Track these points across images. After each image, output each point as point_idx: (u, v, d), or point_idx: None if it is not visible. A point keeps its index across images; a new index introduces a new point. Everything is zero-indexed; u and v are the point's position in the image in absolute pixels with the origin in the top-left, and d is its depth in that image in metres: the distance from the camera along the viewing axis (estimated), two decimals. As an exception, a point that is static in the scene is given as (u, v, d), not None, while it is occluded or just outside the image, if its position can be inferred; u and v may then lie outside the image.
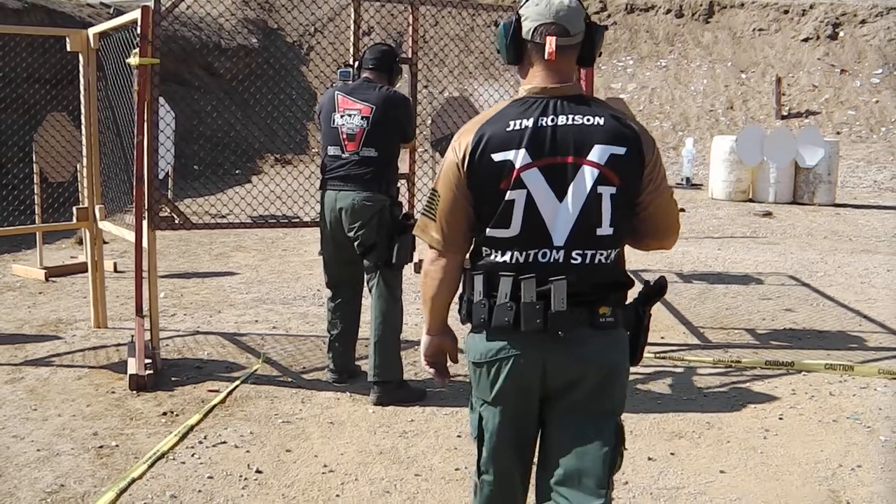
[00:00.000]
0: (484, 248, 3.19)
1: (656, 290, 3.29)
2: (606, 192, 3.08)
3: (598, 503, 3.13)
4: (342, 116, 6.36)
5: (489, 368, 3.20)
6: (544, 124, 3.09)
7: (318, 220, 6.73)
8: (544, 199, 3.09)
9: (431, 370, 3.49)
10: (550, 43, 3.09)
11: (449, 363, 3.52)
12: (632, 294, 3.29)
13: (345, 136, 6.33)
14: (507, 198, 3.08)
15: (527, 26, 3.15)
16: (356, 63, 6.76)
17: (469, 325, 3.27)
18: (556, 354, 3.11)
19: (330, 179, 6.42)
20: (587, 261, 3.10)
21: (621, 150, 3.09)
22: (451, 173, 3.18)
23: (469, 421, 3.41)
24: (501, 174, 3.09)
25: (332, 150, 6.42)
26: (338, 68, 6.95)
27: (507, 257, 3.13)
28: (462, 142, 3.17)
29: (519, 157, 3.07)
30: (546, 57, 3.11)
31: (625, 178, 3.10)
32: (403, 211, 6.56)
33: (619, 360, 3.21)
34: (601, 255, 3.12)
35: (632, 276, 3.29)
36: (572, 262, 3.09)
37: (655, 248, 3.48)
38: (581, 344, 3.10)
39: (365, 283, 6.64)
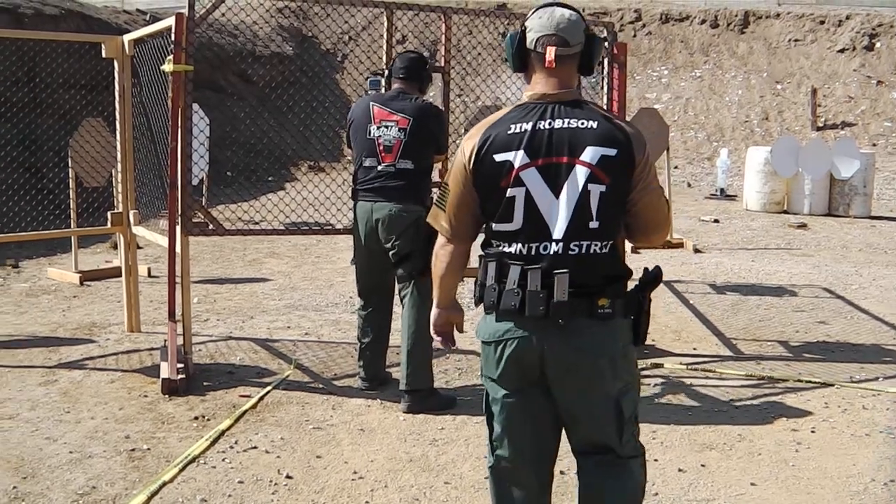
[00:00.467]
0: (493, 240, 3.51)
1: (652, 278, 3.57)
2: (596, 189, 3.37)
3: (608, 487, 3.53)
4: (379, 128, 6.37)
5: (496, 347, 3.50)
6: (542, 127, 3.41)
7: (350, 228, 6.75)
8: (542, 195, 3.39)
9: (439, 338, 3.91)
10: (550, 52, 3.42)
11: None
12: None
13: (382, 148, 6.34)
14: (507, 195, 3.40)
15: (530, 37, 3.49)
16: (386, 72, 6.78)
17: (482, 308, 3.58)
18: (555, 342, 3.39)
19: (364, 190, 6.43)
20: (583, 251, 3.38)
21: (612, 152, 3.37)
22: (459, 172, 3.53)
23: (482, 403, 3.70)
24: (502, 173, 3.40)
25: (368, 162, 6.41)
26: (369, 76, 6.97)
27: (513, 248, 3.44)
28: (469, 143, 3.49)
29: (518, 157, 3.39)
30: (546, 65, 3.44)
31: (614, 178, 3.38)
32: None
33: (615, 349, 3.45)
34: (595, 245, 3.39)
35: (630, 267, 3.56)
36: (570, 253, 3.37)
37: (644, 242, 3.77)
38: (579, 335, 3.38)
39: (396, 293, 6.66)
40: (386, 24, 7.44)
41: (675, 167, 21.33)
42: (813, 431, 6.04)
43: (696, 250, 13.19)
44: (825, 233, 15.25)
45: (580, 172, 3.36)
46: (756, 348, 8.08)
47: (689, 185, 20.93)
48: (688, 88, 25.76)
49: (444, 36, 7.58)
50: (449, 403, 6.42)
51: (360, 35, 25.24)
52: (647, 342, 6.81)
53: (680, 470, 5.38)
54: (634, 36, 27.17)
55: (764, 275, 11.51)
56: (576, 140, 3.38)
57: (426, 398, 6.35)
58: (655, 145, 11.08)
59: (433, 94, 7.21)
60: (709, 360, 7.67)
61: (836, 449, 5.75)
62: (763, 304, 9.85)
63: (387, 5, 7.38)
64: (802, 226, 15.83)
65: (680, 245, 13.23)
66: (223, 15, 7.50)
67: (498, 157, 3.41)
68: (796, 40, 26.51)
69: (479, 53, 10.22)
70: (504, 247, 3.46)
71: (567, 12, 3.49)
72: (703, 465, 5.45)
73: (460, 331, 3.93)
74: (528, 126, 3.41)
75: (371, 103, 6.50)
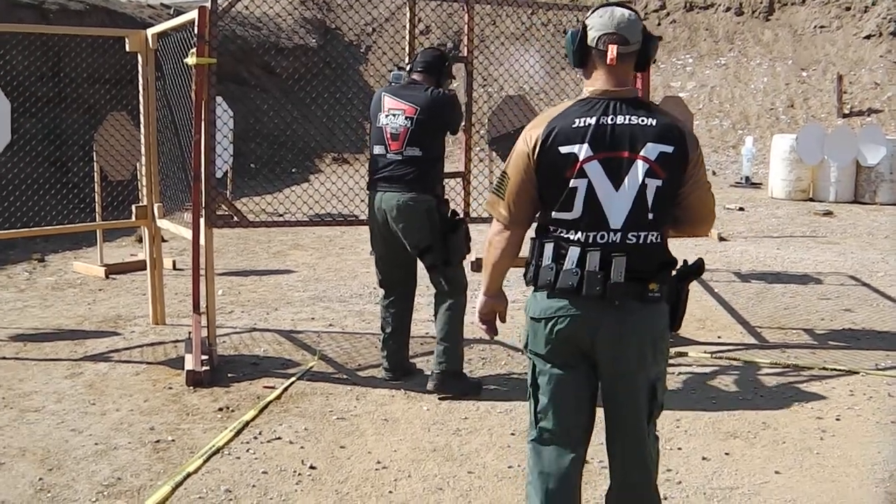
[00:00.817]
0: (552, 226, 3.68)
1: (693, 269, 3.82)
2: (653, 183, 3.57)
3: (636, 451, 3.77)
4: (387, 116, 6.47)
5: (546, 323, 3.68)
6: (605, 122, 3.58)
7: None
8: (602, 187, 3.57)
9: (484, 326, 4.05)
10: (612, 50, 3.59)
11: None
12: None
13: (389, 136, 6.44)
14: (570, 185, 3.58)
15: (592, 35, 3.65)
16: (408, 66, 6.82)
17: (531, 287, 3.77)
18: (608, 321, 3.60)
19: (376, 180, 6.51)
20: (641, 241, 3.60)
21: (669, 149, 3.58)
22: (522, 161, 3.67)
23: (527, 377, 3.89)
24: (567, 164, 3.57)
25: (377, 150, 6.53)
26: (392, 69, 7.00)
27: (571, 235, 3.63)
28: (533, 134, 3.65)
29: (583, 150, 3.56)
30: (608, 62, 3.60)
31: (670, 173, 3.59)
32: (451, 208, 6.60)
33: (661, 330, 3.71)
34: (652, 235, 3.62)
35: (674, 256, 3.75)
36: (628, 242, 3.58)
37: (690, 234, 4.01)
38: (630, 315, 3.60)
39: (414, 281, 6.83)
40: (409, 14, 7.45)
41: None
42: (838, 419, 6.02)
43: (722, 238, 13.15)
44: (851, 220, 15.17)
45: (639, 167, 3.56)
46: (781, 336, 8.05)
47: (714, 173, 20.83)
48: (713, 76, 25.64)
49: (467, 26, 7.58)
50: (475, 389, 6.47)
51: (383, 26, 25.25)
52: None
53: (704, 458, 5.38)
54: (659, 24, 27.06)
55: (789, 262, 11.47)
56: (636, 136, 3.57)
57: (454, 379, 6.43)
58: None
59: (457, 85, 7.22)
60: (734, 348, 7.66)
61: (861, 437, 5.73)
62: (788, 291, 9.82)
63: (410, -4, 7.38)
64: (828, 213, 15.75)
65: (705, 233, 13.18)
66: (246, 7, 7.53)
67: (563, 150, 3.58)
68: (822, 27, 26.34)
69: (503, 43, 10.21)
70: (562, 233, 3.65)
71: (627, 12, 3.67)
72: (727, 454, 5.45)
73: (502, 320, 4.06)
74: (592, 121, 3.59)
75: (383, 94, 6.60)
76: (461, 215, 6.67)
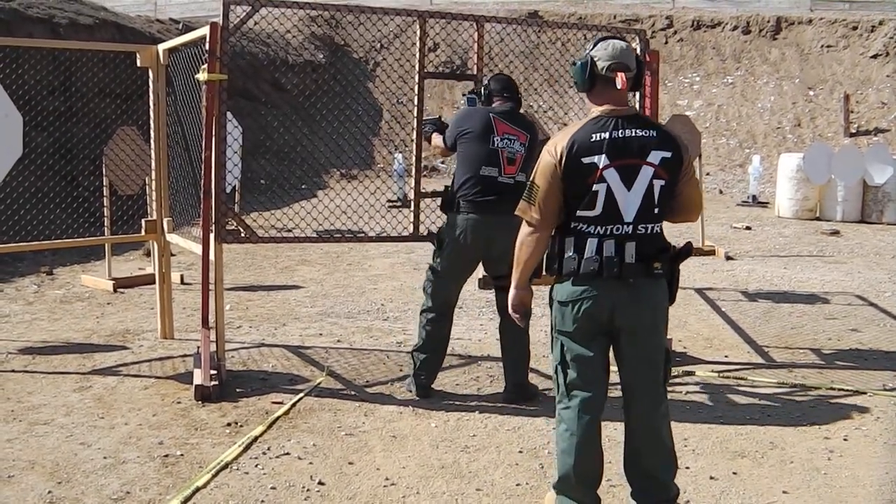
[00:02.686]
0: (573, 223, 4.47)
1: (685, 251, 4.55)
2: (658, 184, 4.42)
3: (656, 412, 4.57)
4: (503, 139, 6.53)
5: (573, 305, 4.46)
6: (617, 136, 4.39)
7: (383, 235, 6.82)
8: (618, 189, 4.38)
9: (517, 315, 4.78)
10: (621, 77, 4.42)
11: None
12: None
13: (505, 160, 6.52)
14: (593, 189, 4.37)
15: (600, 65, 4.47)
16: (484, 92, 6.87)
17: (554, 278, 4.56)
18: (623, 296, 4.40)
19: (480, 202, 6.50)
20: (648, 231, 4.45)
21: (668, 154, 4.44)
22: (549, 170, 4.45)
23: (551, 358, 4.71)
24: (589, 172, 4.36)
25: (486, 171, 6.52)
26: (465, 94, 7.12)
27: (591, 229, 4.42)
28: (558, 147, 4.43)
29: (601, 160, 4.36)
30: (619, 87, 4.42)
31: (670, 174, 4.46)
32: None
33: (664, 299, 4.56)
34: (656, 227, 4.48)
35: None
36: (638, 232, 4.42)
37: (683, 220, 4.81)
38: (641, 289, 4.43)
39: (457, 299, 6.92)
40: (419, 32, 7.46)
41: (707, 174, 21.26)
42: (846, 439, 6.02)
43: (728, 257, 13.15)
44: (858, 240, 15.17)
45: (647, 171, 4.39)
46: (788, 356, 8.05)
47: (721, 191, 20.86)
48: (720, 95, 25.69)
49: (476, 44, 7.60)
50: (535, 394, 6.79)
51: (392, 43, 25.33)
52: (678, 350, 6.81)
53: (711, 478, 5.37)
54: (666, 43, 27.12)
55: (796, 282, 11.47)
56: (643, 146, 4.40)
57: (524, 388, 6.74)
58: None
59: (462, 103, 7.27)
60: (741, 367, 7.66)
61: (870, 457, 5.73)
62: (795, 311, 9.82)
63: (419, 14, 7.41)
64: (835, 233, 15.74)
65: (712, 252, 13.18)
66: (256, 24, 7.59)
67: (585, 160, 4.37)
68: (829, 46, 26.38)
69: (512, 61, 10.25)
70: (584, 228, 4.43)
71: (623, 43, 4.54)
72: (734, 473, 5.44)
73: (528, 309, 4.81)
74: (606, 135, 4.38)
75: (492, 115, 6.63)
76: None
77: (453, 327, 6.80)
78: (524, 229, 4.59)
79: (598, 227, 4.41)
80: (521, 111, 6.82)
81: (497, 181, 6.49)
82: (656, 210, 4.44)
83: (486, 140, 6.54)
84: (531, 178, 4.55)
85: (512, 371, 6.70)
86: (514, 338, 6.61)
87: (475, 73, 7.52)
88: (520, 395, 6.68)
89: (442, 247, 6.68)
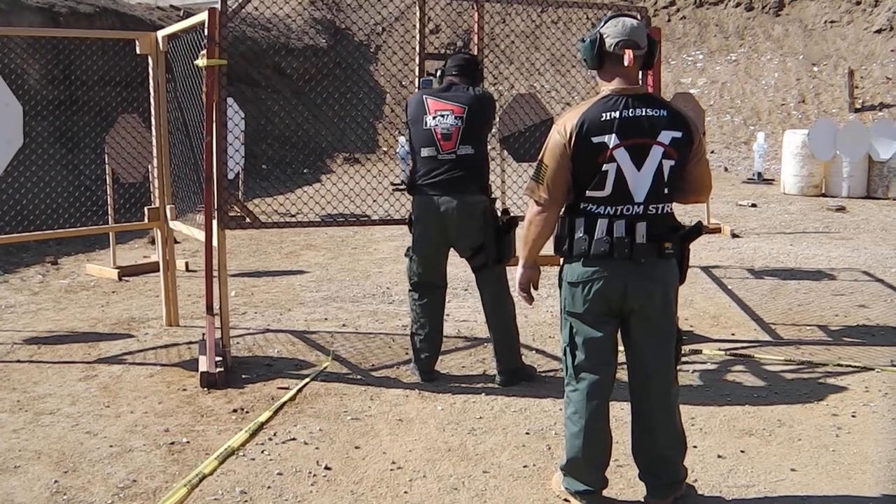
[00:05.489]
0: (582, 204, 4.44)
1: (694, 231, 4.58)
2: (667, 164, 4.41)
3: (670, 392, 4.59)
4: (434, 118, 6.49)
5: (583, 287, 4.46)
6: (627, 115, 4.36)
7: (387, 218, 6.81)
8: (628, 169, 4.35)
9: (524, 294, 4.80)
10: (629, 54, 4.37)
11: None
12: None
13: (440, 136, 6.46)
14: (602, 169, 4.34)
15: (609, 42, 4.42)
16: (437, 72, 6.86)
17: (564, 258, 4.57)
18: (634, 277, 4.40)
19: (428, 184, 6.51)
20: (658, 211, 4.43)
21: (679, 134, 4.41)
22: (558, 149, 4.43)
23: (560, 338, 4.68)
24: (599, 151, 4.34)
25: (426, 152, 6.52)
26: (419, 76, 7.08)
27: (601, 209, 4.40)
28: (567, 126, 4.40)
29: (611, 139, 4.33)
30: (626, 65, 4.39)
31: (680, 154, 4.44)
32: (501, 206, 6.67)
33: (675, 278, 4.56)
34: (666, 207, 4.46)
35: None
36: (649, 212, 4.40)
37: (694, 201, 4.86)
38: (653, 269, 4.42)
39: (446, 282, 6.88)
40: (419, 14, 7.43)
41: (712, 152, 21.20)
42: (854, 416, 6.00)
43: (734, 235, 13.12)
44: (864, 215, 15.12)
45: (657, 151, 4.37)
46: (795, 333, 8.03)
47: (726, 169, 20.79)
48: (723, 72, 25.57)
49: (476, 25, 7.57)
50: (532, 374, 6.77)
51: (392, 26, 25.24)
52: (685, 328, 6.80)
53: (719, 456, 5.36)
54: (669, 20, 27.01)
55: (802, 259, 11.43)
56: (653, 125, 4.37)
57: (518, 372, 6.67)
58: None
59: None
60: (748, 345, 7.64)
61: (878, 433, 5.71)
62: (802, 288, 9.79)
63: (419, -5, 7.37)
64: (841, 209, 15.69)
65: (718, 230, 13.14)
66: (256, 8, 7.53)
67: (595, 139, 4.34)
68: (832, 21, 26.25)
69: (513, 42, 10.20)
70: (593, 208, 4.41)
71: (634, 21, 4.48)
72: (742, 451, 5.43)
73: (535, 288, 4.85)
74: (616, 114, 4.34)
75: (424, 96, 6.63)
76: (513, 216, 6.69)
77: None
78: (532, 209, 4.58)
79: (608, 208, 4.39)
80: (488, 88, 6.74)
81: (437, 160, 6.47)
82: (666, 190, 4.42)
83: (420, 122, 6.56)
84: (540, 158, 4.53)
85: (501, 353, 6.64)
86: (496, 311, 6.64)
87: (476, 54, 7.48)
88: (514, 379, 6.64)
89: (411, 229, 6.71)
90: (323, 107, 18.85)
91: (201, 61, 6.58)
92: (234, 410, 6.12)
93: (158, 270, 8.58)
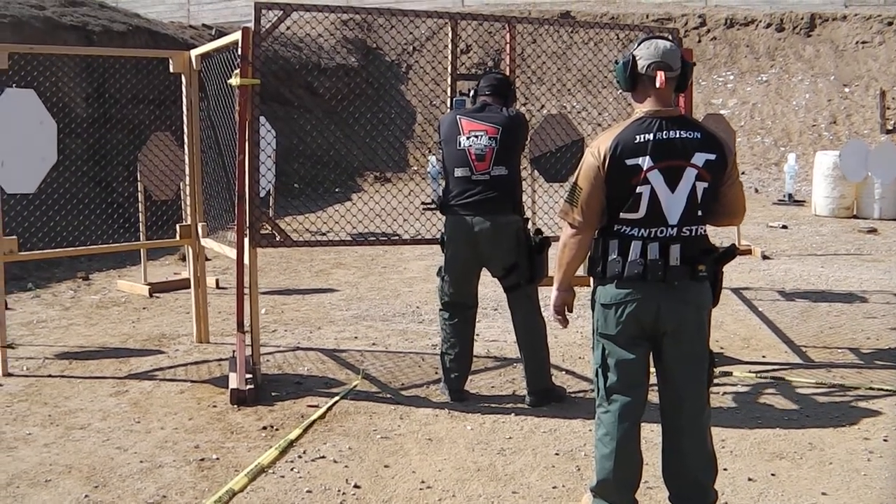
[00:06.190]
0: (616, 226, 4.43)
1: (728, 254, 4.55)
2: (701, 186, 4.39)
3: (702, 414, 4.55)
4: (468, 138, 6.49)
5: (616, 308, 4.43)
6: (661, 138, 4.35)
7: (417, 238, 6.81)
8: (662, 191, 4.34)
9: (559, 317, 4.76)
10: (661, 76, 4.37)
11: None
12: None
13: (473, 157, 6.46)
14: (637, 191, 4.33)
15: (641, 63, 4.42)
16: (470, 92, 6.87)
17: (598, 280, 4.52)
18: (667, 299, 4.37)
19: (461, 204, 6.52)
20: (692, 234, 4.41)
21: (713, 156, 4.41)
22: (592, 172, 4.42)
23: (592, 360, 4.67)
24: (633, 174, 4.33)
25: (459, 172, 6.53)
26: (451, 96, 7.08)
27: (635, 231, 4.39)
28: (601, 149, 4.39)
29: (645, 161, 4.32)
30: (658, 87, 4.38)
31: (714, 176, 4.42)
32: (533, 226, 6.66)
33: (708, 301, 4.53)
34: (700, 229, 4.45)
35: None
36: (682, 234, 4.38)
37: (728, 224, 4.83)
38: (686, 291, 4.40)
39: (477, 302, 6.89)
40: (451, 34, 7.46)
41: (743, 173, 21.11)
42: (885, 440, 5.95)
43: (765, 257, 13.06)
44: (895, 237, 15.03)
45: (691, 173, 4.36)
46: (826, 356, 7.98)
47: (757, 190, 20.71)
48: (754, 93, 25.51)
49: (508, 45, 7.59)
50: (562, 395, 6.76)
51: (424, 46, 25.31)
52: (715, 350, 6.77)
53: (750, 479, 5.33)
54: (699, 41, 26.95)
55: (834, 281, 11.37)
56: (686, 148, 4.36)
57: (548, 393, 6.64)
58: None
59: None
60: (778, 367, 7.59)
61: (910, 457, 5.67)
62: (833, 310, 9.73)
63: (451, 16, 7.41)
64: (872, 230, 15.60)
65: (748, 252, 13.09)
66: (288, 28, 7.58)
67: (629, 162, 4.33)
68: (864, 42, 26.14)
69: (544, 62, 10.21)
70: (627, 230, 4.40)
71: (668, 43, 4.48)
72: (773, 475, 5.40)
73: (570, 311, 4.80)
74: (651, 136, 4.34)
75: (458, 116, 6.64)
76: (545, 236, 6.68)
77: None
78: (566, 231, 4.56)
79: (642, 230, 4.37)
80: (519, 108, 6.73)
81: (471, 180, 6.47)
82: (699, 212, 4.41)
83: (454, 142, 6.56)
84: (574, 180, 4.52)
85: (531, 373, 6.64)
86: (527, 332, 6.64)
87: (507, 74, 7.50)
88: (544, 400, 6.64)
89: (443, 249, 6.72)
90: (354, 126, 18.92)
91: (235, 80, 6.63)
92: (264, 428, 6.14)
93: (189, 287, 8.62)
